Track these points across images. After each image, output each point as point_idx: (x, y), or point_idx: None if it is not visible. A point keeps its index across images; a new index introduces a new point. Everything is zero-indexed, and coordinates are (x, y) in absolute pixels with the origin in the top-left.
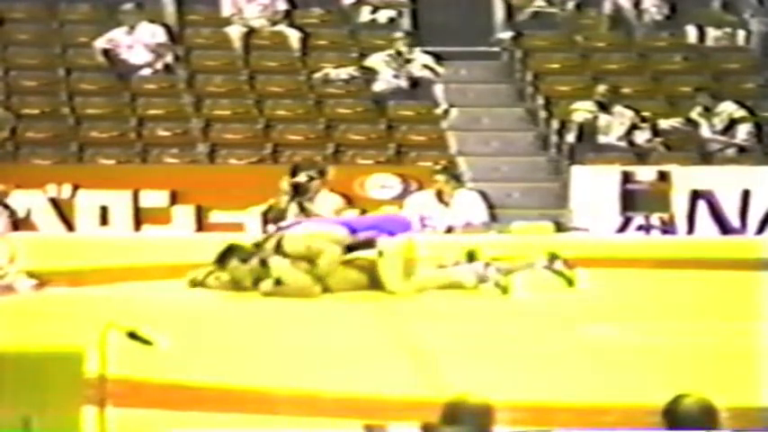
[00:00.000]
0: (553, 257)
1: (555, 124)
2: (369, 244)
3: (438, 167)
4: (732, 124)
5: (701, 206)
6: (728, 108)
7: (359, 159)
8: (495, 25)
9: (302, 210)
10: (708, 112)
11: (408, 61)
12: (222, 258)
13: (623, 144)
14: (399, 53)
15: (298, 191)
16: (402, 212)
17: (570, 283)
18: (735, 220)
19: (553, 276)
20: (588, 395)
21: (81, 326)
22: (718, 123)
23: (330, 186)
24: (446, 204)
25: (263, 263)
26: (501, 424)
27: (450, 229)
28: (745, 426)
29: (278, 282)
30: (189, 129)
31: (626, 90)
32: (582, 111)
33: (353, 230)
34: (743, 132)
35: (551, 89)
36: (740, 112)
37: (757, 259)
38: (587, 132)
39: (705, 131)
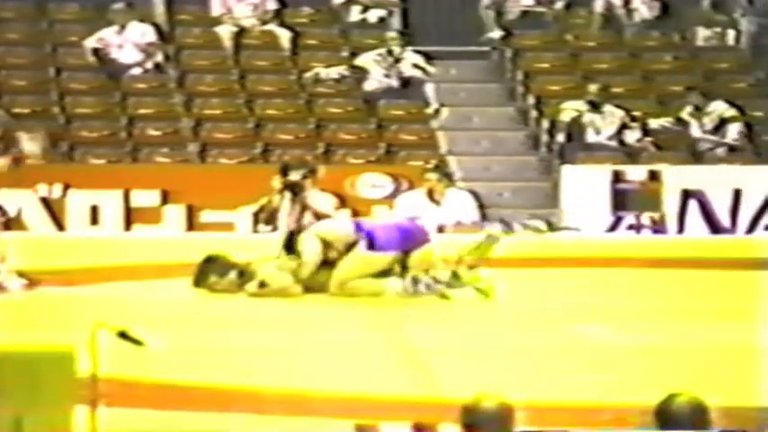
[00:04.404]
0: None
1: (545, 124)
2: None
3: (430, 166)
4: (722, 124)
5: (692, 205)
6: (719, 108)
7: (349, 159)
8: (486, 25)
9: (296, 207)
10: (698, 111)
11: (399, 61)
12: (201, 273)
13: (614, 143)
14: (390, 52)
15: (292, 189)
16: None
17: (486, 294)
18: (725, 220)
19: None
20: (579, 395)
21: (72, 325)
22: (709, 123)
23: (321, 186)
24: (437, 203)
25: (242, 274)
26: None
27: (441, 229)
28: (737, 425)
29: (262, 284)
30: (179, 128)
31: (616, 89)
32: (572, 110)
33: (360, 229)
34: (733, 132)
35: (542, 89)
36: (730, 112)
37: (748, 258)
38: (578, 132)
39: (695, 131)
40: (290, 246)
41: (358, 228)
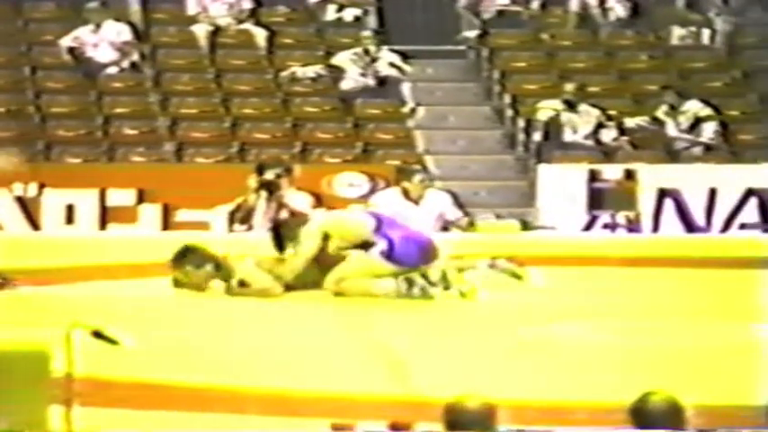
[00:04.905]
0: (495, 257)
1: (522, 123)
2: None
3: (417, 167)
4: (697, 123)
5: (668, 204)
6: (694, 107)
7: (326, 158)
8: (462, 24)
9: (272, 206)
10: (673, 110)
11: (375, 60)
12: (177, 260)
13: (590, 142)
14: (366, 51)
15: (268, 188)
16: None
17: (518, 277)
18: (701, 219)
19: (499, 275)
20: (554, 394)
21: (47, 325)
22: (684, 122)
23: (297, 185)
24: (415, 203)
25: (218, 267)
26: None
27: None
28: (712, 424)
29: (242, 283)
30: (155, 127)
31: (592, 88)
32: (548, 109)
33: (380, 232)
34: (708, 131)
35: (518, 88)
36: (705, 111)
37: (723, 257)
38: (554, 131)
39: (671, 130)
40: (278, 238)
41: (378, 228)
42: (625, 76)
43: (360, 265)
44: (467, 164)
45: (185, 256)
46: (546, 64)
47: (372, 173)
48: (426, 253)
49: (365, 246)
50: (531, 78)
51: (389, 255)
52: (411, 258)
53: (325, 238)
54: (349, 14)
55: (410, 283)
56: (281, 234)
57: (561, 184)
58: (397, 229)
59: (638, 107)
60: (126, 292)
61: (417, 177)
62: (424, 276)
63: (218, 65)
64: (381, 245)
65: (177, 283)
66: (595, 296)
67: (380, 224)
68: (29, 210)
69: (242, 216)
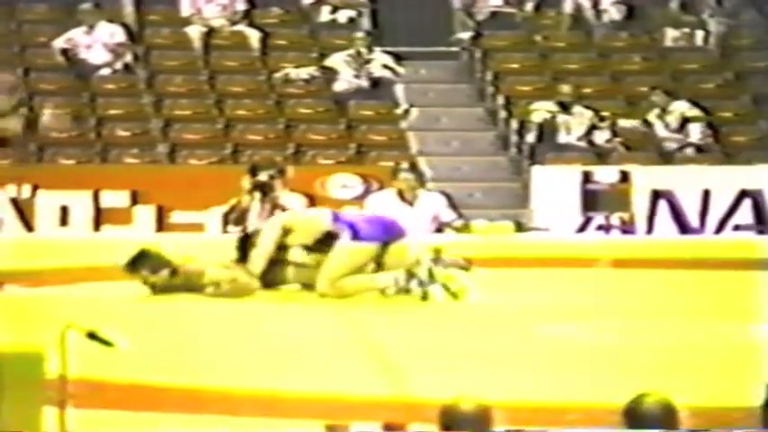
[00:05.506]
0: (438, 253)
1: (515, 124)
2: (333, 237)
3: (405, 166)
4: (685, 123)
5: (662, 206)
6: (681, 107)
7: (319, 159)
8: (455, 25)
9: (266, 208)
10: (664, 112)
11: (368, 61)
12: (131, 265)
13: (583, 144)
14: (359, 53)
15: (263, 189)
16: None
17: (465, 269)
18: (694, 220)
19: (445, 269)
20: (547, 395)
21: (41, 326)
22: (673, 122)
23: (291, 186)
24: (410, 204)
25: (174, 273)
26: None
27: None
28: (705, 425)
29: (216, 287)
30: (149, 129)
31: (586, 90)
32: (542, 111)
33: (339, 220)
34: (695, 131)
35: (511, 89)
36: (693, 111)
37: (716, 259)
38: (547, 132)
39: (660, 130)
40: (243, 248)
41: (336, 219)
42: (618, 78)
43: (340, 257)
44: (460, 165)
45: (140, 260)
46: (539, 65)
47: (366, 174)
48: (391, 228)
49: (329, 238)
50: (524, 80)
51: (357, 237)
52: (378, 234)
53: (286, 234)
54: (342, 16)
55: (410, 275)
56: (248, 244)
57: (555, 186)
58: (355, 215)
59: (632, 109)
60: (121, 293)
61: (402, 175)
62: (412, 273)
63: (212, 66)
64: (346, 233)
65: (128, 272)
66: (589, 298)
67: (337, 216)
68: (23, 211)
69: (236, 217)
